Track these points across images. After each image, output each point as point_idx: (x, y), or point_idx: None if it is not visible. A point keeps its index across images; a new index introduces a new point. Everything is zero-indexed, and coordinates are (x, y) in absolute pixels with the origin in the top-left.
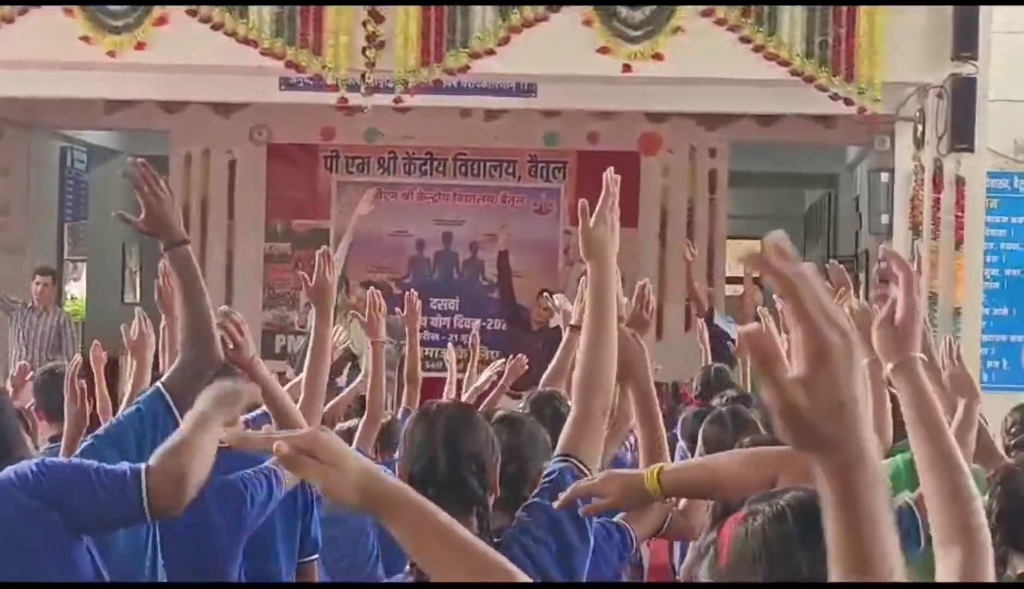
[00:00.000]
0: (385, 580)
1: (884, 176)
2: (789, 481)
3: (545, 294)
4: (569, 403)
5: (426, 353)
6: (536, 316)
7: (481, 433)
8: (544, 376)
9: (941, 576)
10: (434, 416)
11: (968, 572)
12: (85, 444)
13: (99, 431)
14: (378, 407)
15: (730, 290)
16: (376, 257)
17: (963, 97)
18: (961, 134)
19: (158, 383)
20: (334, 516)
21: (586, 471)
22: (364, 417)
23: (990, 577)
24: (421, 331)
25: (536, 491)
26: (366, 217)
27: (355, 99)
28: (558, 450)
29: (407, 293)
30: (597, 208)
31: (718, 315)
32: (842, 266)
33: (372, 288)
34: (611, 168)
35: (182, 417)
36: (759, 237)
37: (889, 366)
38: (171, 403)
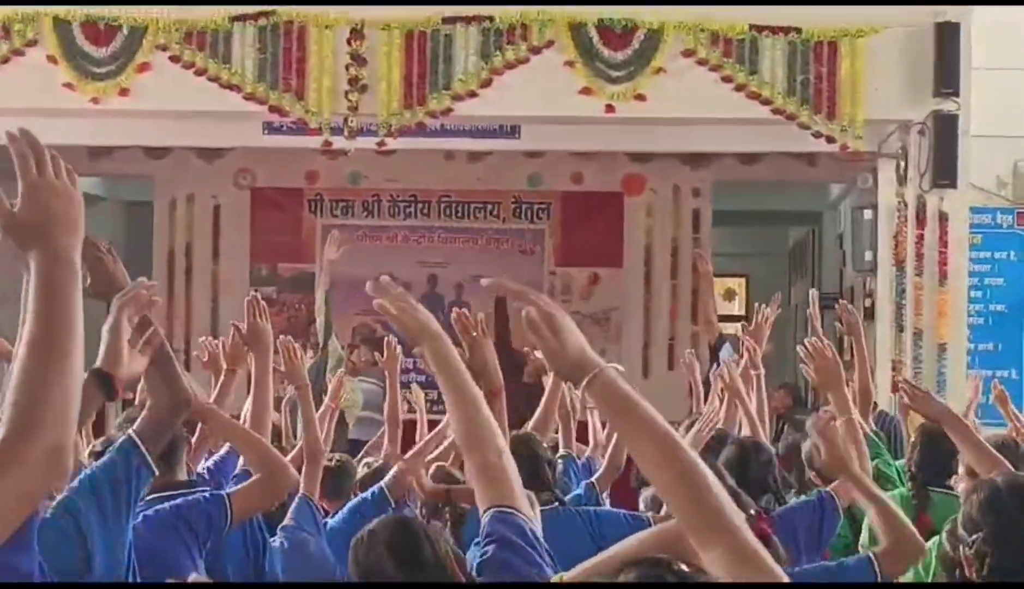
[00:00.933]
0: None
1: (867, 213)
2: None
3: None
4: (545, 445)
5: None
6: (530, 369)
7: (422, 535)
8: (531, 425)
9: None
10: (372, 539)
11: (733, 564)
12: (61, 497)
13: (74, 483)
14: (315, 449)
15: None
16: (361, 301)
17: (945, 133)
18: (943, 170)
19: (130, 432)
20: (295, 543)
21: (511, 512)
22: (305, 459)
23: (766, 559)
24: (408, 373)
25: (480, 555)
26: (338, 261)
27: (339, 143)
28: (480, 507)
29: (387, 338)
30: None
31: (726, 346)
32: (852, 306)
33: (283, 336)
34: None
35: (157, 465)
36: (744, 274)
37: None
38: (144, 451)
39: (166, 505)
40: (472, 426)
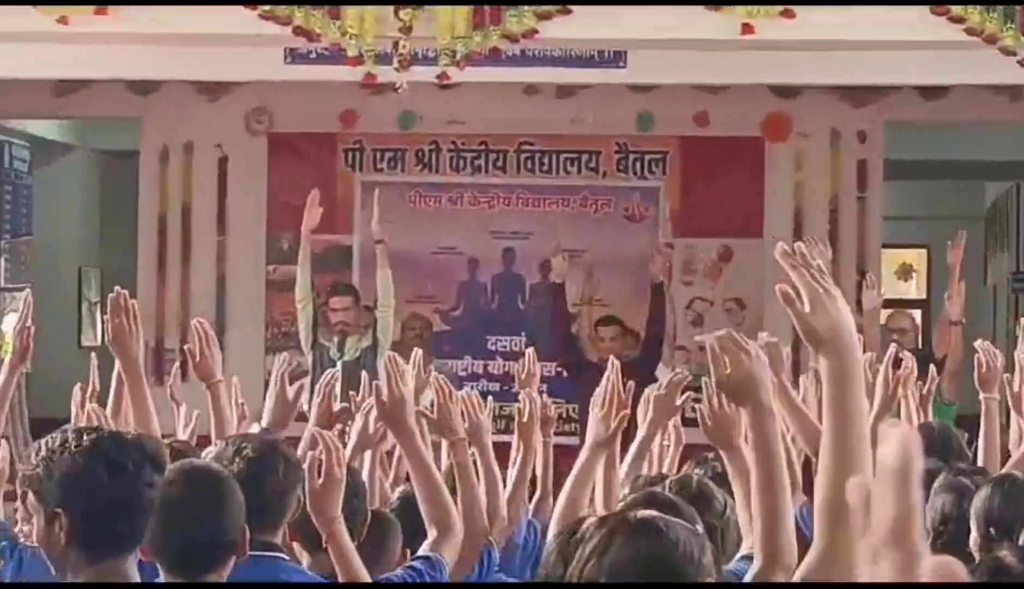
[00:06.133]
0: None
1: None
2: None
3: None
4: None
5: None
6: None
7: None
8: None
9: None
10: None
11: None
12: None
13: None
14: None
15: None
16: (417, 283)
17: None
18: None
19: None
20: None
21: None
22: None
23: None
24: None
25: None
26: (381, 231)
27: (385, 75)
28: None
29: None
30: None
31: None
32: None
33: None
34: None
35: None
36: (925, 245)
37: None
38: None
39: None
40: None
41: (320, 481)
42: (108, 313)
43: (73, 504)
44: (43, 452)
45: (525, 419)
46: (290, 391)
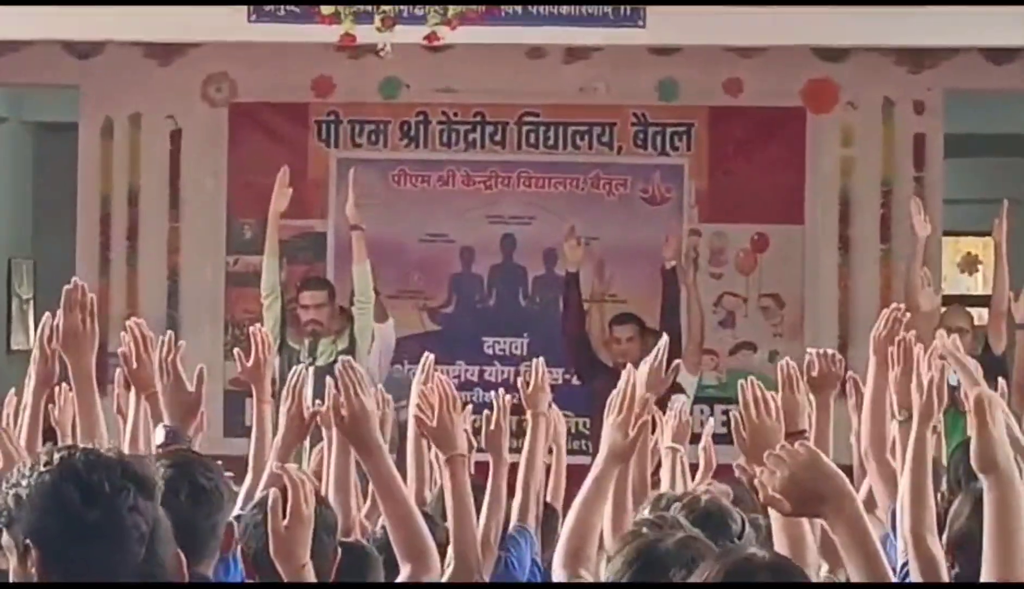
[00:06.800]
0: None
1: None
2: None
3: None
4: None
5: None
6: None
7: None
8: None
9: None
10: None
11: None
12: None
13: None
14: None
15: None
16: (402, 275)
17: None
18: None
19: None
20: None
21: None
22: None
23: None
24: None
25: None
26: (359, 216)
27: (366, 36)
28: None
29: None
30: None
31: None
32: None
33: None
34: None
35: None
36: (991, 233)
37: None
38: None
39: None
40: None
41: (285, 522)
42: (61, 307)
43: (42, 533)
44: (14, 478)
45: (492, 426)
46: (184, 377)
